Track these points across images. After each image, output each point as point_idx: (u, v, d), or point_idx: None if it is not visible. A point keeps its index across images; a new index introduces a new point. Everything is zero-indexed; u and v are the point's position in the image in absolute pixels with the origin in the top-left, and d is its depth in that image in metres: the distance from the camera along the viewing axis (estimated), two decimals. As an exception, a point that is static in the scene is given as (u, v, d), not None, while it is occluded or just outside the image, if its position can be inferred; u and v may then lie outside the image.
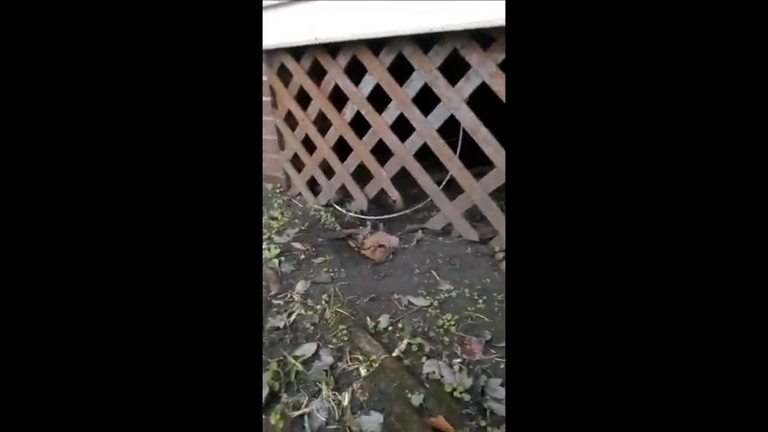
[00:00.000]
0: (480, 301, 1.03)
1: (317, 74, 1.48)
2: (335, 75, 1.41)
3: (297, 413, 0.77)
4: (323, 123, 1.55)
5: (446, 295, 1.06)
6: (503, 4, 0.94)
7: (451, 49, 1.14)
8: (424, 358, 0.87)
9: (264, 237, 1.43)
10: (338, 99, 1.46)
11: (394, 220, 1.46)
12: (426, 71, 1.20)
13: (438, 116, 1.23)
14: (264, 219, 1.57)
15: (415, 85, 1.25)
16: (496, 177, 1.15)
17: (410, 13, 1.10)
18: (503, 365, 0.84)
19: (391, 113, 1.33)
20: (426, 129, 1.25)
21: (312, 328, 0.99)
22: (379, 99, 1.35)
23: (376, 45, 1.28)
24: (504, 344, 0.90)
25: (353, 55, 1.34)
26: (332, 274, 1.20)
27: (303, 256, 1.30)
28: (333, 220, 1.52)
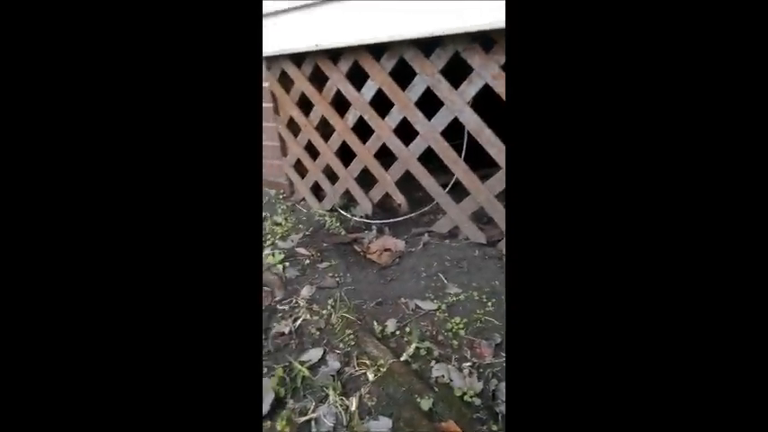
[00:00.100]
0: (489, 303, 1.01)
1: (319, 80, 1.49)
2: (337, 80, 1.42)
3: (303, 419, 0.76)
4: (325, 129, 1.55)
5: (454, 298, 1.05)
6: (503, 6, 0.94)
7: (453, 53, 1.14)
8: (432, 362, 0.86)
9: (268, 242, 1.43)
10: (340, 104, 1.47)
11: (399, 224, 1.45)
12: (428, 75, 1.20)
13: (441, 119, 1.22)
14: (268, 224, 1.57)
15: (417, 89, 1.25)
16: (502, 179, 1.15)
17: (411, 18, 1.11)
18: (513, 368, 0.82)
19: (394, 118, 1.33)
20: (430, 132, 1.25)
21: (318, 333, 0.98)
22: (381, 104, 1.35)
23: (377, 50, 1.29)
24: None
25: (355, 60, 1.35)
26: (337, 279, 1.19)
27: (308, 262, 1.29)
28: (338, 224, 1.52)
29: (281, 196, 1.85)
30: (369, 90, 1.36)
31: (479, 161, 1.22)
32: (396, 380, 0.81)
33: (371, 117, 1.38)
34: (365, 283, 1.17)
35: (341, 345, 0.94)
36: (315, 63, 1.46)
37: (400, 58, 1.25)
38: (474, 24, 1.00)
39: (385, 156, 1.40)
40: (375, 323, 0.99)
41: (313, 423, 0.75)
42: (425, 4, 1.06)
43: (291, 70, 1.55)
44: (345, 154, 1.52)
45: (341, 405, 0.77)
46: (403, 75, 1.27)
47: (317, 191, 1.72)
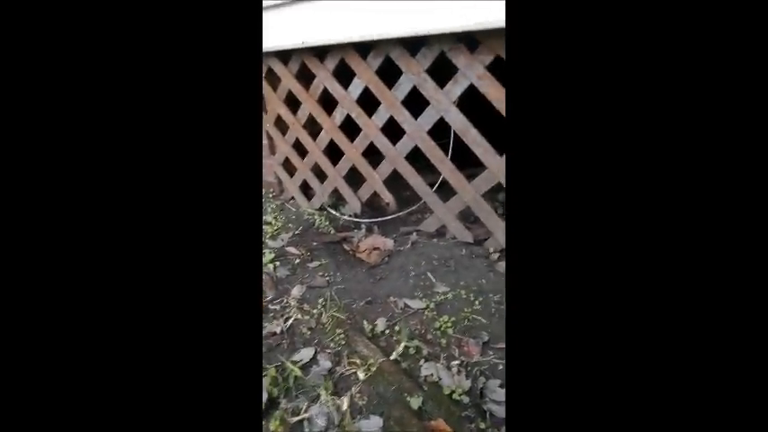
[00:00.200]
0: (477, 302, 1.03)
1: (306, 77, 1.48)
2: (324, 78, 1.41)
3: (296, 419, 0.77)
4: (313, 127, 1.55)
5: (442, 297, 1.07)
6: (488, 8, 0.95)
7: (439, 52, 1.14)
8: (421, 361, 0.88)
9: (258, 243, 1.43)
10: (328, 102, 1.46)
11: (388, 223, 1.46)
12: (414, 74, 1.20)
13: (428, 118, 1.23)
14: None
15: (403, 87, 1.25)
16: (488, 179, 1.16)
17: (397, 17, 1.11)
18: (501, 367, 0.85)
19: (381, 116, 1.33)
20: (417, 131, 1.26)
21: (309, 332, 0.99)
22: (368, 102, 1.35)
23: (363, 48, 1.28)
24: (502, 345, 0.91)
25: (341, 58, 1.34)
26: (328, 278, 1.20)
27: (298, 261, 1.30)
28: (327, 223, 1.52)
29: (270, 195, 1.85)
30: (356, 88, 1.36)
31: (466, 160, 1.23)
32: (386, 379, 0.83)
33: (359, 115, 1.38)
34: (355, 282, 1.18)
35: (331, 344, 0.95)
36: (301, 60, 1.45)
37: (386, 56, 1.25)
38: (459, 25, 1.01)
39: (373, 154, 1.41)
40: (365, 322, 1.01)
41: (306, 423, 0.76)
42: (412, 4, 1.06)
43: (278, 68, 1.53)
44: (333, 152, 1.52)
45: (332, 405, 0.79)
46: (389, 73, 1.27)
47: (305, 189, 1.72)
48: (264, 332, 1.00)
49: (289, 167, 1.73)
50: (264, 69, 1.58)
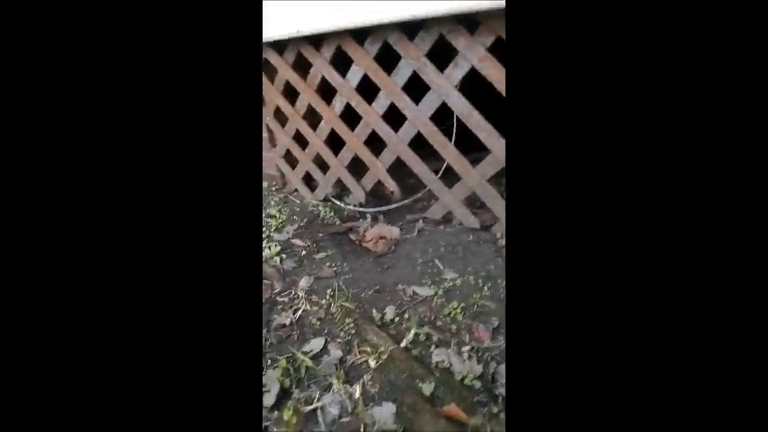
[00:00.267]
0: (485, 287, 1.03)
1: (303, 67, 1.46)
2: (321, 67, 1.39)
3: (309, 408, 0.78)
4: (313, 117, 1.53)
5: (451, 283, 1.07)
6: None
7: (438, 35, 1.12)
8: (432, 347, 0.88)
9: (264, 235, 1.43)
10: (326, 92, 1.44)
11: (393, 212, 1.45)
12: (414, 58, 1.18)
13: (429, 103, 1.21)
14: (262, 217, 1.57)
15: (403, 73, 1.23)
16: (493, 163, 1.15)
17: (393, 2, 1.08)
18: (510, 349, 0.85)
19: (381, 103, 1.32)
20: (419, 117, 1.24)
21: (318, 323, 1.00)
22: (368, 90, 1.33)
23: (360, 35, 1.26)
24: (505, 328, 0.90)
25: (338, 46, 1.32)
26: (335, 269, 1.21)
27: (304, 253, 1.30)
28: (332, 214, 1.52)
29: (273, 188, 1.84)
30: (354, 75, 1.34)
31: (470, 145, 1.22)
32: (397, 366, 0.83)
33: (359, 103, 1.37)
34: (362, 272, 1.18)
35: (341, 334, 0.95)
36: (297, 50, 1.43)
37: (384, 42, 1.22)
38: (458, 6, 0.98)
39: (375, 142, 1.39)
40: (374, 311, 1.01)
41: (319, 412, 0.77)
42: (408, -13, 1.03)
43: (274, 58, 1.51)
44: (335, 142, 1.51)
45: (345, 393, 0.80)
46: (388, 59, 1.25)
47: (308, 181, 1.71)
48: (274, 324, 1.01)
49: (290, 159, 1.72)
50: (261, 61, 1.56)
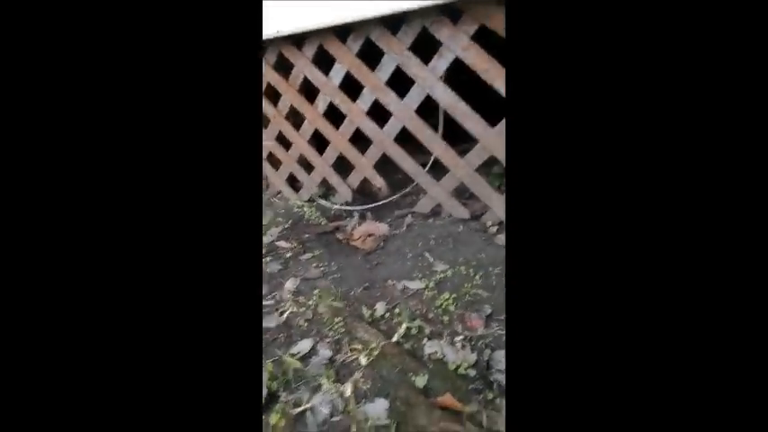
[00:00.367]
0: (477, 276, 1.01)
1: (284, 68, 1.44)
2: (303, 66, 1.38)
3: (298, 410, 0.74)
4: (296, 118, 1.51)
5: (442, 275, 1.04)
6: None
7: (421, 28, 1.11)
8: (425, 340, 0.85)
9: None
10: (309, 91, 1.42)
11: (381, 208, 1.42)
12: (397, 53, 1.17)
13: (414, 97, 1.20)
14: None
15: (386, 68, 1.22)
16: (480, 153, 1.13)
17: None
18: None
19: (366, 100, 1.30)
20: (404, 111, 1.23)
21: (306, 324, 0.96)
22: (352, 87, 1.32)
23: (342, 32, 1.25)
24: (505, 316, 0.88)
25: (320, 44, 1.31)
26: (322, 269, 1.17)
27: (290, 255, 1.26)
28: (318, 214, 1.48)
29: (257, 192, 1.80)
30: (337, 73, 1.32)
31: (458, 136, 1.20)
32: (389, 361, 0.80)
33: (342, 101, 1.35)
34: (351, 270, 1.15)
35: (331, 333, 0.92)
36: (278, 50, 1.41)
37: (366, 38, 1.21)
38: (439, -4, 0.98)
39: (360, 140, 1.37)
40: (364, 308, 0.97)
41: (309, 413, 0.73)
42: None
43: (256, 59, 1.49)
44: (319, 142, 1.48)
45: (336, 392, 0.76)
46: (371, 55, 1.24)
47: (292, 182, 1.68)
48: (260, 328, 0.97)
49: (273, 161, 1.69)
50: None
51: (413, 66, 1.17)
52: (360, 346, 0.85)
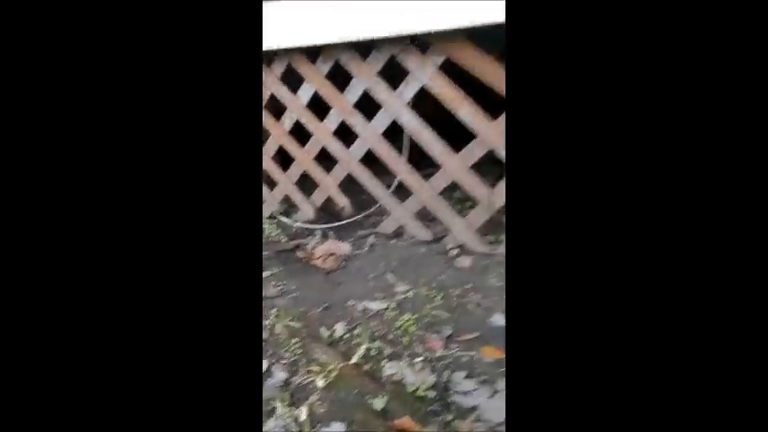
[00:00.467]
0: (438, 298, 1.02)
1: (254, 83, 1.43)
2: (271, 84, 1.38)
3: (249, 437, 0.69)
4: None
5: (403, 296, 1.04)
6: (438, 9, 0.98)
7: (389, 55, 1.16)
8: (384, 361, 0.84)
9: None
10: (276, 109, 1.42)
11: (344, 228, 1.42)
12: (366, 77, 1.20)
13: (381, 121, 1.23)
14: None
15: (355, 91, 1.25)
16: (444, 177, 1.17)
17: (344, 22, 1.11)
18: (465, 359, 0.83)
19: (333, 120, 1.31)
20: (370, 134, 1.25)
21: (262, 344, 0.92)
22: (320, 107, 1.33)
23: (312, 53, 1.27)
24: (465, 336, 0.89)
25: (288, 63, 1.32)
26: (280, 287, 1.14)
27: (247, 272, 1.21)
28: (278, 231, 1.45)
29: (215, 207, 1.74)
30: (305, 93, 1.33)
31: (424, 160, 1.23)
32: (347, 383, 0.78)
33: (309, 120, 1.35)
34: (310, 290, 1.12)
35: (287, 354, 0.89)
36: (248, 65, 1.40)
37: (336, 61, 1.24)
38: (409, 28, 1.03)
39: (326, 159, 1.37)
40: (323, 329, 0.95)
41: (260, 440, 0.69)
42: (360, 5, 1.07)
43: (223, 73, 1.47)
44: (284, 159, 1.47)
45: (290, 416, 0.72)
46: (340, 77, 1.26)
47: (255, 199, 1.64)
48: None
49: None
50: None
51: (381, 91, 1.20)
52: (317, 368, 0.83)
